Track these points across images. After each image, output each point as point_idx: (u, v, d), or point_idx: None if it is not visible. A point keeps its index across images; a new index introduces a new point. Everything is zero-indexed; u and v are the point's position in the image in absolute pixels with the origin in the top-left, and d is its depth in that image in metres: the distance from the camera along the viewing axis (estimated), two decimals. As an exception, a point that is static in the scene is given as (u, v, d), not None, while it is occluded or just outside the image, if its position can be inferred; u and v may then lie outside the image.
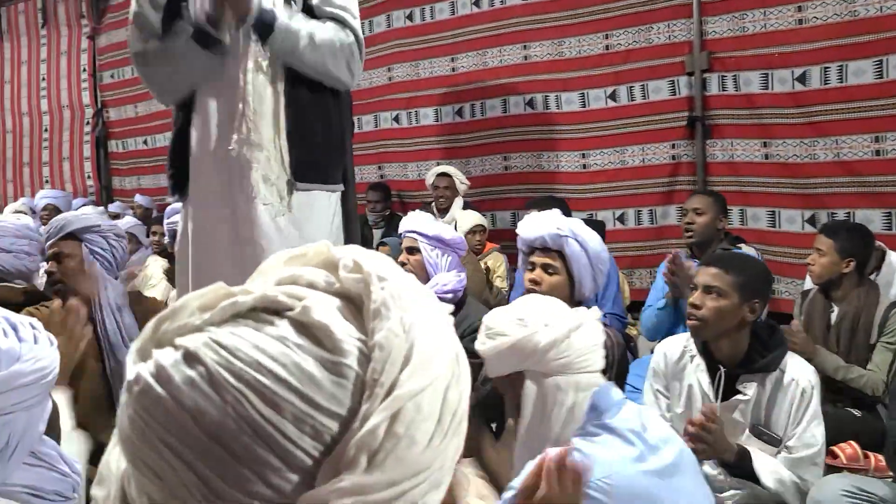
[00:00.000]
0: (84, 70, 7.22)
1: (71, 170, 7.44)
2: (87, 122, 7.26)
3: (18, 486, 1.11)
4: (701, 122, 3.97)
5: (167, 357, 0.47)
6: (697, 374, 2.12)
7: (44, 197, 6.12)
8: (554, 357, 1.52)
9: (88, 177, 7.30)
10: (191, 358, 0.46)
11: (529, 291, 2.23)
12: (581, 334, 1.55)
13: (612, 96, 4.28)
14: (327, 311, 0.49)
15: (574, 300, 2.20)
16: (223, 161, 2.07)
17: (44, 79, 7.56)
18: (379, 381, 0.46)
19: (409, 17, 5.01)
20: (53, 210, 5.64)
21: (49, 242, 2.40)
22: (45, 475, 1.15)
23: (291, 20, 2.10)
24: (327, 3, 2.19)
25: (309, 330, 0.48)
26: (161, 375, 0.46)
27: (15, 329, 1.09)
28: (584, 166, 4.44)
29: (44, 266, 2.50)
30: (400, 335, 0.48)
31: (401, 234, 2.98)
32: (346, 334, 0.48)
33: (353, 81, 2.27)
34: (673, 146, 4.11)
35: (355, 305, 0.50)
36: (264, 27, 2.05)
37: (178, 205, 3.34)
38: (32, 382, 1.06)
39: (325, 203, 2.24)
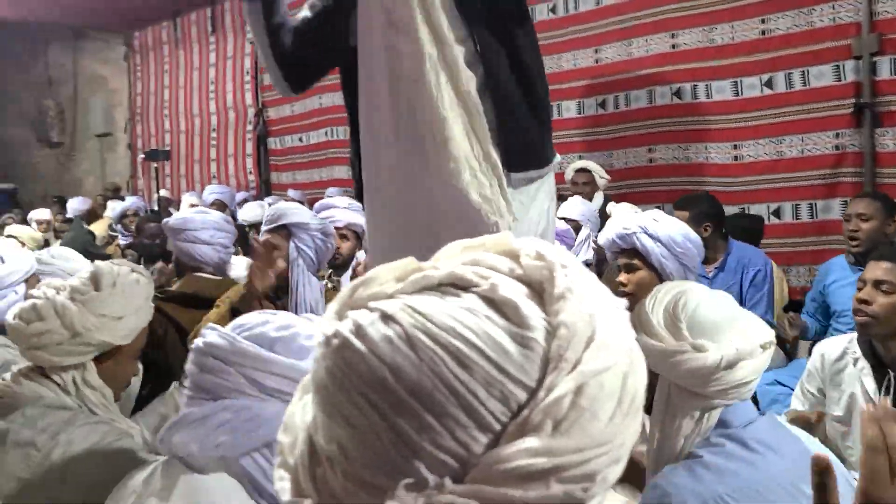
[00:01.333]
0: (247, 73, 7.75)
1: (235, 166, 8.02)
2: (250, 122, 7.79)
3: None
4: (870, 109, 3.67)
5: (365, 317, 0.51)
6: (862, 379, 1.98)
7: (211, 192, 6.63)
8: (709, 382, 1.28)
9: (250, 172, 7.84)
10: (388, 319, 0.50)
11: (620, 295, 2.18)
12: (751, 361, 1.29)
13: (769, 84, 4.04)
14: (513, 290, 0.52)
15: None
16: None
17: (212, 82, 8.20)
18: (564, 357, 0.49)
19: (553, 10, 4.98)
20: (220, 205, 6.09)
21: (265, 228, 2.48)
22: None
23: None
24: None
25: (497, 305, 0.51)
26: (360, 332, 0.50)
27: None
28: (736, 158, 4.23)
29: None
30: (584, 318, 0.51)
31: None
32: (532, 312, 0.51)
33: None
34: (837, 135, 3.82)
35: (536, 292, 0.53)
36: None
37: (330, 200, 3.44)
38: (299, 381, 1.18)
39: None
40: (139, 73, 9.43)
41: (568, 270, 0.53)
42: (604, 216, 4.25)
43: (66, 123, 11.04)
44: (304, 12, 2.07)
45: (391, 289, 0.53)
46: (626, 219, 2.28)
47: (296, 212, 2.51)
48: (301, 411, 0.57)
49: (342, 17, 1.97)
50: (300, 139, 7.32)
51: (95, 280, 1.58)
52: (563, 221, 3.72)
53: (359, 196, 2.17)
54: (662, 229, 2.21)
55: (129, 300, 1.58)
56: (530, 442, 0.47)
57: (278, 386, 1.14)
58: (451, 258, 0.57)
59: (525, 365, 0.49)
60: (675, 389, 1.31)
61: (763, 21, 4.04)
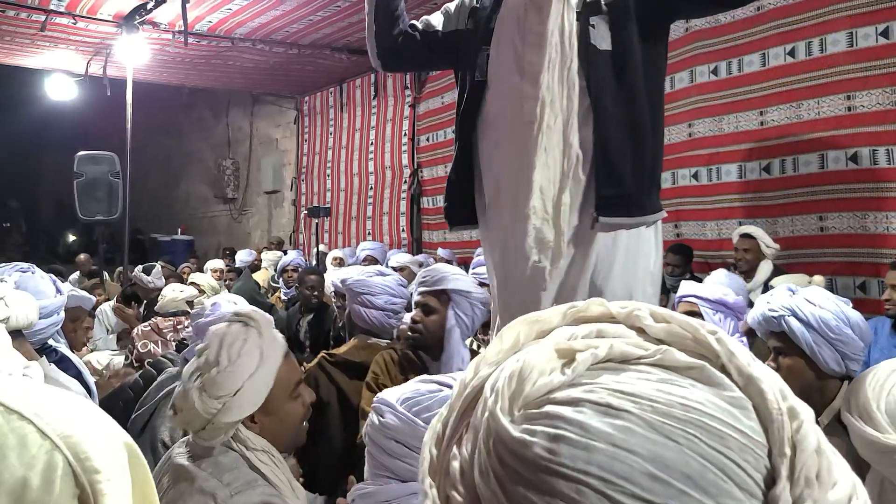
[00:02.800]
0: (405, 135, 8.10)
1: (389, 223, 8.33)
2: (405, 181, 8.09)
3: None
4: None
5: (575, 413, 0.46)
6: None
7: (363, 248, 6.90)
8: None
9: (403, 230, 8.11)
10: (607, 410, 0.46)
11: None
12: None
13: (961, 148, 3.68)
14: (681, 354, 0.49)
15: (823, 376, 1.92)
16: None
17: (372, 143, 8.63)
18: (777, 408, 0.47)
19: (714, 72, 4.84)
20: (371, 260, 6.32)
21: (422, 290, 2.44)
22: None
23: None
24: None
25: (680, 371, 0.49)
26: (588, 428, 0.45)
27: None
28: (923, 228, 3.86)
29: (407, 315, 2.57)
30: (758, 368, 0.49)
31: (678, 298, 2.86)
32: (715, 371, 0.49)
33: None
34: None
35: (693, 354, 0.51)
36: None
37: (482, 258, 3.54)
38: None
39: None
40: (306, 135, 10.11)
41: (711, 327, 0.51)
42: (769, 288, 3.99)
43: (240, 181, 12.00)
44: (431, 20, 2.23)
45: (559, 378, 0.48)
46: (776, 298, 2.03)
47: (458, 278, 2.47)
48: None
49: (471, 49, 2.08)
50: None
51: (208, 361, 1.52)
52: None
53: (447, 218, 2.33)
54: (814, 312, 1.94)
55: (241, 371, 1.49)
56: (804, 497, 0.45)
57: None
58: (554, 325, 0.54)
59: (753, 424, 0.47)
60: (890, 486, 1.19)
61: (955, 81, 3.71)
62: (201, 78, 8.97)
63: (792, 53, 4.41)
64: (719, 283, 3.14)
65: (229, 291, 5.44)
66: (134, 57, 6.81)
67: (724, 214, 4.83)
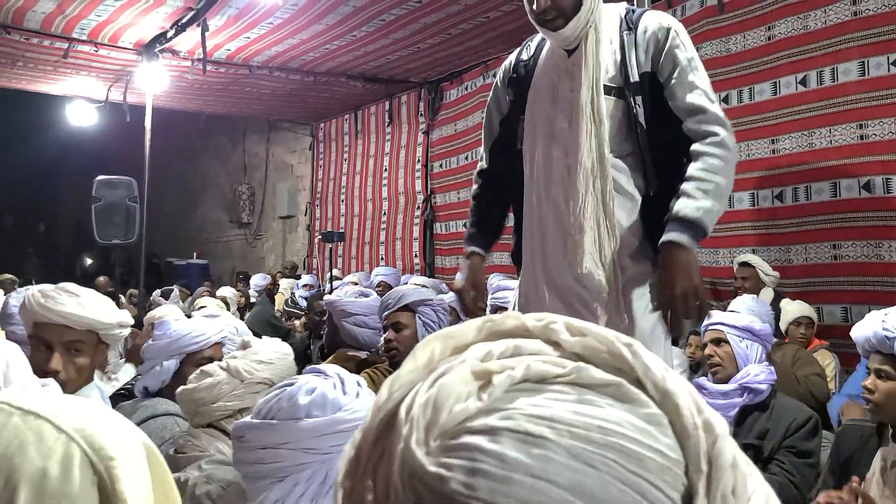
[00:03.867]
0: (418, 161, 8.16)
1: (402, 249, 8.37)
2: (418, 207, 8.14)
3: None
4: None
5: (492, 444, 0.44)
6: None
7: (377, 274, 6.94)
8: None
9: (416, 255, 8.14)
10: (528, 437, 0.44)
11: (864, 402, 1.97)
12: None
13: (976, 177, 3.67)
14: (597, 371, 0.47)
15: None
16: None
17: (386, 169, 8.70)
18: (693, 423, 0.46)
19: (725, 100, 4.86)
20: (386, 286, 6.35)
21: (387, 313, 2.64)
22: None
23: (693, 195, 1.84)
24: (683, 86, 1.92)
25: (595, 389, 0.47)
26: (506, 459, 0.44)
27: (343, 384, 1.34)
28: (938, 257, 3.83)
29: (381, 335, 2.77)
30: (673, 381, 0.49)
31: (704, 325, 2.86)
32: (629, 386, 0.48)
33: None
34: None
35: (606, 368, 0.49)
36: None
37: (504, 281, 3.63)
38: (349, 430, 1.25)
39: None
40: (321, 161, 10.21)
41: (627, 339, 0.49)
42: (774, 315, 3.98)
43: (255, 206, 12.12)
44: (487, 126, 2.33)
45: (475, 404, 0.46)
46: (892, 319, 1.99)
47: (416, 290, 2.70)
48: None
49: (512, 119, 2.17)
50: (465, 225, 7.49)
51: (243, 345, 1.90)
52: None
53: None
54: None
55: (274, 350, 1.84)
56: None
57: (333, 442, 1.23)
58: (468, 346, 0.52)
59: (670, 441, 0.46)
60: None
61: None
62: (219, 104, 9.11)
63: (804, 82, 4.43)
64: (746, 309, 3.18)
65: (242, 319, 5.47)
66: (153, 84, 6.93)
67: (736, 242, 4.82)
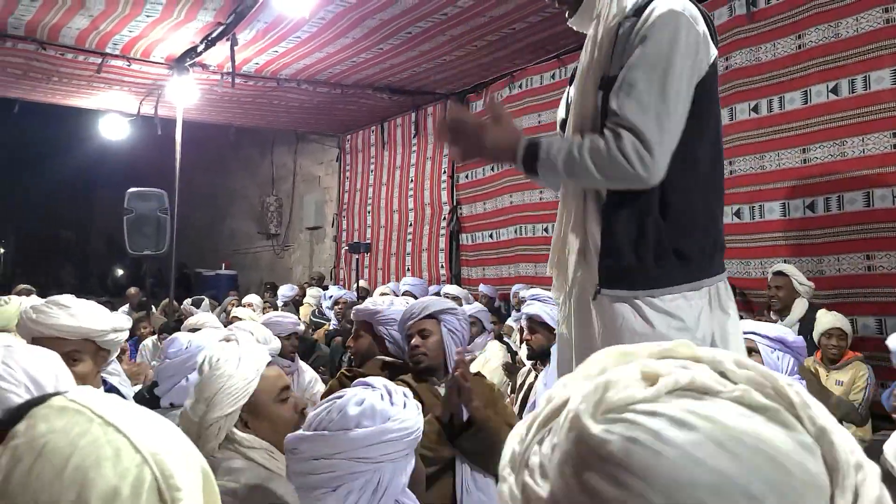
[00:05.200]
0: (444, 172, 8.18)
1: (428, 260, 8.38)
2: (444, 218, 8.15)
3: None
4: None
5: (651, 421, 0.50)
6: None
7: (405, 284, 6.96)
8: None
9: (441, 266, 8.15)
10: (684, 423, 0.50)
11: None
12: None
13: None
14: (759, 395, 0.52)
15: None
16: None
17: (412, 181, 8.73)
18: (844, 460, 0.50)
19: (755, 110, 4.81)
20: (412, 297, 6.36)
21: (411, 322, 2.68)
22: None
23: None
24: (619, 83, 1.71)
25: (757, 409, 0.51)
26: (661, 437, 0.49)
27: (390, 395, 1.40)
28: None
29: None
30: (832, 422, 0.53)
31: None
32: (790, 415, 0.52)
33: (649, 175, 1.68)
34: None
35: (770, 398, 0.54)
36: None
37: (538, 292, 3.66)
38: (398, 439, 1.33)
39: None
40: (348, 172, 10.28)
41: (789, 380, 0.54)
42: (808, 326, 3.91)
43: (283, 217, 12.22)
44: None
45: (642, 393, 0.53)
46: None
47: (439, 301, 2.75)
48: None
49: None
50: (490, 236, 7.52)
51: (200, 368, 1.78)
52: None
53: None
54: None
55: (219, 374, 1.69)
56: None
57: (383, 451, 1.29)
58: (641, 359, 0.58)
59: (819, 468, 0.49)
60: None
61: None
62: (247, 117, 9.22)
63: (835, 91, 4.37)
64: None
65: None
66: (184, 97, 7.05)
67: (767, 253, 4.76)
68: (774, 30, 4.71)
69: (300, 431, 1.37)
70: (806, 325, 3.95)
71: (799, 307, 4.10)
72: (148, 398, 2.52)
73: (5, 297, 2.98)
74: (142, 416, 0.75)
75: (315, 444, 1.32)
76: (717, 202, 1.86)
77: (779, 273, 4.27)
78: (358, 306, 3.18)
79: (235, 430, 1.68)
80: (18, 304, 2.68)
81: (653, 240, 1.76)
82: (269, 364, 1.79)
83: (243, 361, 1.73)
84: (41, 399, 0.75)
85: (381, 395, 1.39)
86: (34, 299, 3.09)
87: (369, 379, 1.49)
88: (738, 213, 4.93)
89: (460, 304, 5.44)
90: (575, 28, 1.90)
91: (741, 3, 4.90)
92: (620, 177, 1.69)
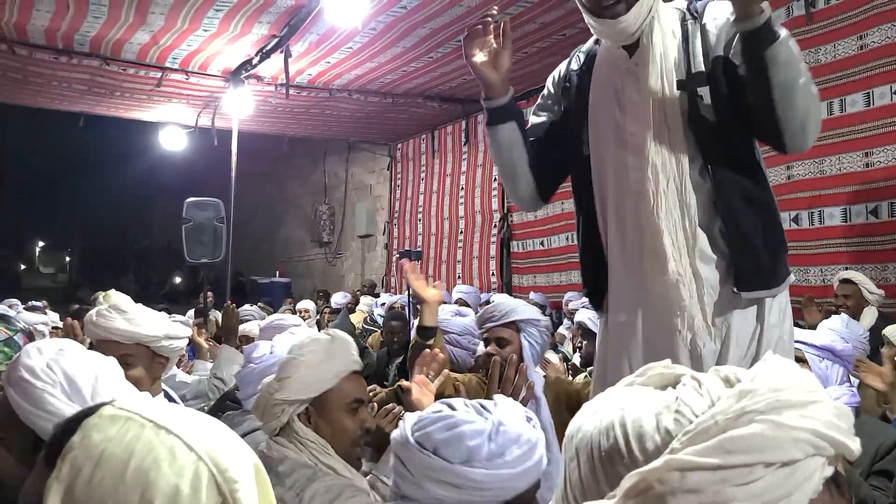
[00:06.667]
0: (495, 179, 8.17)
1: (479, 267, 8.38)
2: (495, 226, 8.14)
3: None
4: None
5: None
6: None
7: (458, 291, 6.96)
8: None
9: (493, 274, 8.13)
10: None
11: None
12: None
13: None
14: (695, 392, 0.66)
15: None
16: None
17: (462, 188, 8.75)
18: (674, 448, 0.60)
19: (815, 113, 4.68)
20: (462, 303, 6.35)
21: (489, 326, 2.56)
22: None
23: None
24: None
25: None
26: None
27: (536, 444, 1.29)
28: None
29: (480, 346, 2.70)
30: (717, 422, 0.61)
31: None
32: (692, 411, 0.64)
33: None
34: None
35: None
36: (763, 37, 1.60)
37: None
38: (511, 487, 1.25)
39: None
40: (399, 180, 10.36)
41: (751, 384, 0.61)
42: (878, 336, 3.76)
43: (335, 226, 12.38)
44: (534, 119, 2.13)
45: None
46: None
47: (524, 308, 2.58)
48: None
49: (573, 125, 2.00)
50: (541, 243, 7.48)
51: (291, 348, 1.81)
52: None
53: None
54: None
55: (302, 361, 1.73)
56: None
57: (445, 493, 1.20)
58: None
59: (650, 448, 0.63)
60: None
61: None
62: (300, 127, 9.38)
63: (899, 92, 4.22)
64: (831, 330, 3.01)
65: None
66: (239, 109, 7.21)
67: (828, 260, 4.62)
68: (835, 30, 4.58)
69: (420, 453, 1.24)
70: (876, 335, 3.80)
71: (868, 316, 3.94)
72: (231, 403, 2.58)
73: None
74: (190, 416, 0.78)
75: (406, 454, 1.25)
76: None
77: (846, 280, 4.12)
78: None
79: (296, 419, 1.71)
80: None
81: (780, 235, 1.80)
82: (355, 373, 1.80)
83: (327, 359, 1.75)
84: (91, 410, 0.77)
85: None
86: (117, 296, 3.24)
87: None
88: (796, 219, 4.80)
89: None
90: (617, 30, 1.79)
91: (800, 4, 4.79)
92: (814, 118, 1.69)
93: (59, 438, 0.76)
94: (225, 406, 2.66)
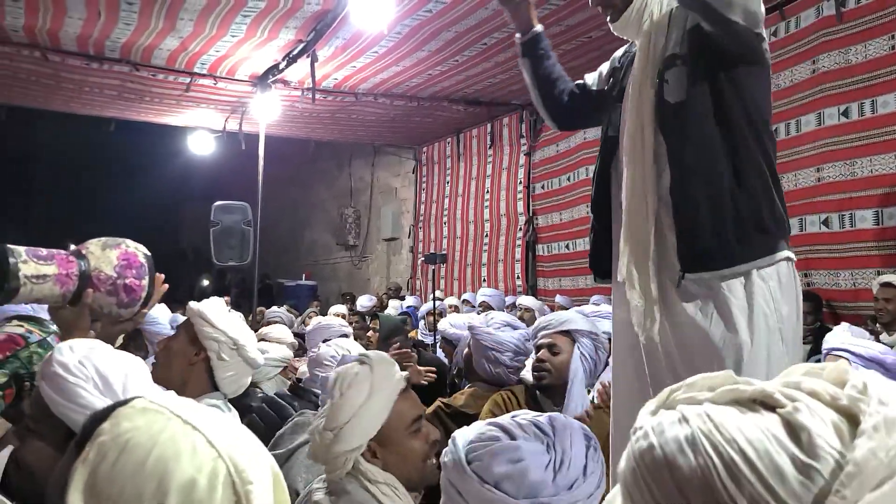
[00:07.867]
0: (520, 182, 8.16)
1: (504, 270, 8.36)
2: (520, 229, 8.13)
3: None
4: None
5: (669, 417, 0.57)
6: None
7: (483, 295, 6.97)
8: None
9: (518, 277, 8.11)
10: (684, 421, 0.56)
11: None
12: None
13: None
14: (816, 417, 0.52)
15: None
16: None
17: (487, 191, 8.75)
18: (841, 494, 0.48)
19: (845, 114, 4.61)
20: (486, 306, 6.36)
21: (544, 332, 2.49)
22: None
23: None
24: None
25: (792, 429, 0.52)
26: (657, 429, 0.57)
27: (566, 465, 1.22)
28: None
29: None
30: (881, 460, 0.48)
31: (824, 351, 2.68)
32: (826, 443, 0.51)
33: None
34: None
35: (853, 424, 0.52)
36: None
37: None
38: None
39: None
40: (424, 184, 10.38)
41: (885, 408, 0.51)
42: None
43: (360, 229, 12.44)
44: (587, 79, 2.27)
45: (703, 396, 0.58)
46: None
47: (582, 320, 2.51)
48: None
49: (608, 105, 2.10)
50: (567, 246, 7.45)
51: (331, 391, 1.65)
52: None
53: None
54: None
55: (350, 403, 1.59)
56: None
57: None
58: (787, 377, 0.59)
59: (799, 492, 0.49)
60: None
61: None
62: (326, 131, 9.44)
63: (933, 92, 4.15)
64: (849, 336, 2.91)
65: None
66: (266, 113, 7.28)
67: (859, 263, 4.54)
68: (865, 30, 4.51)
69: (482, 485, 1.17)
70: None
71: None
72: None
73: None
74: (215, 417, 0.81)
75: (451, 477, 1.19)
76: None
77: (887, 284, 4.03)
78: (472, 325, 2.91)
79: (361, 460, 1.58)
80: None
81: (735, 214, 1.75)
82: (402, 391, 1.67)
83: (374, 392, 1.61)
84: (125, 402, 0.81)
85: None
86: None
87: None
88: (826, 222, 4.73)
89: (534, 317, 5.39)
90: (616, 33, 1.98)
91: (830, 4, 4.72)
92: None
93: (91, 425, 0.79)
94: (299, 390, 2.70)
